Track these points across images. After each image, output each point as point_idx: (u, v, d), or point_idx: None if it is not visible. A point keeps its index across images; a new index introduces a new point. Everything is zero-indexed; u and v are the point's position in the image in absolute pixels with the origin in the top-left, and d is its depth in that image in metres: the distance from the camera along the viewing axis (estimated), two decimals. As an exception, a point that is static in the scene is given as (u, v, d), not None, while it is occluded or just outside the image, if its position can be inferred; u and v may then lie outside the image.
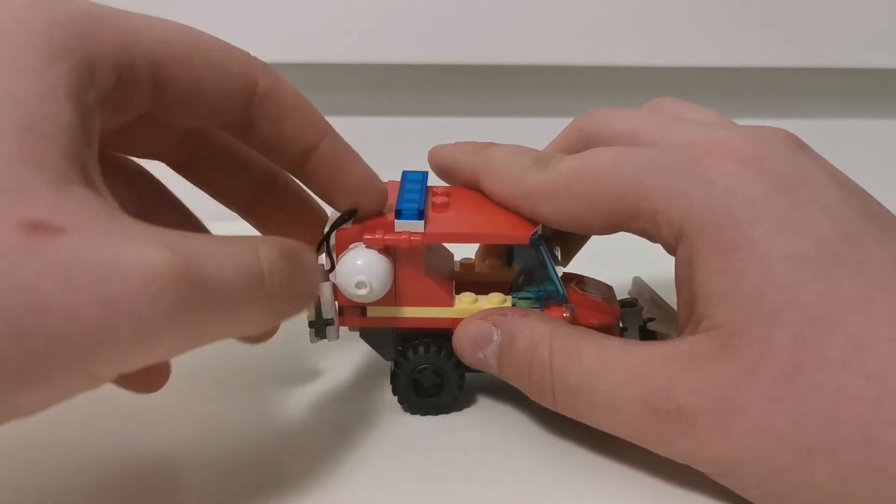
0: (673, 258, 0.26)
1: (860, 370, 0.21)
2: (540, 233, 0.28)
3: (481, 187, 0.30)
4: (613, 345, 0.26)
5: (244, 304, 0.21)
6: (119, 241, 0.18)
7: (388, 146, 0.52)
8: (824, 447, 0.22)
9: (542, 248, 0.28)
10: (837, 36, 0.51)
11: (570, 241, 0.33)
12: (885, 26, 0.51)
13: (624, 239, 0.28)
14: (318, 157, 0.26)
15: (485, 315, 0.28)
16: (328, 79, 0.52)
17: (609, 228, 0.27)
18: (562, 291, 0.29)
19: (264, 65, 0.25)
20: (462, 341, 0.28)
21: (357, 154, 0.28)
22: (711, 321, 0.24)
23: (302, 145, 0.26)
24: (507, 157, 0.29)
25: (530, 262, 0.29)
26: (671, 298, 0.28)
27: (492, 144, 0.30)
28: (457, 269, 0.32)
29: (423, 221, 0.28)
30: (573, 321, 0.28)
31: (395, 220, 0.28)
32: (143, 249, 0.18)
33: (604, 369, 0.25)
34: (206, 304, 0.19)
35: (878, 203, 0.26)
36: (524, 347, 0.27)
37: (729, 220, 0.23)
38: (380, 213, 0.29)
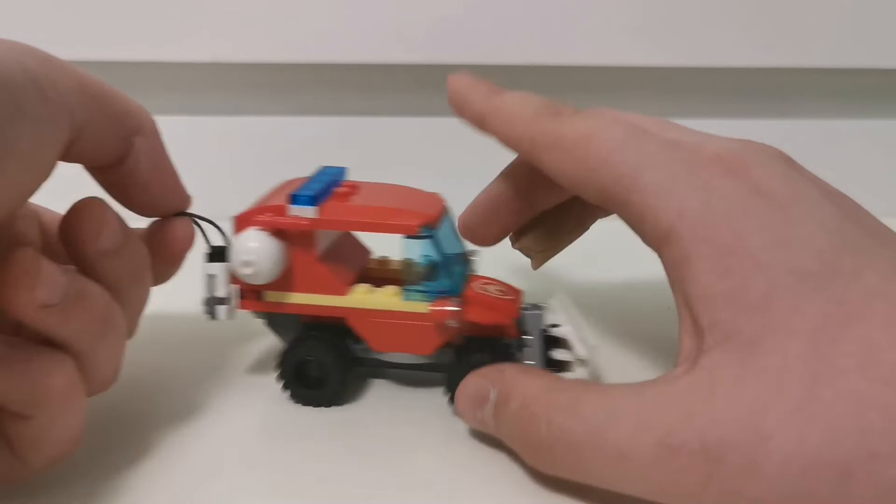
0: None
1: (878, 376, 0.21)
2: (433, 226, 0.28)
3: (487, 129, 0.29)
4: (620, 390, 0.24)
5: None
6: None
7: (388, 146, 0.53)
8: (860, 463, 0.20)
9: (433, 241, 0.28)
10: (837, 36, 0.51)
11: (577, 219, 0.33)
12: (884, 26, 0.51)
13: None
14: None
15: (483, 372, 0.28)
16: (328, 79, 0.52)
17: (597, 201, 0.27)
18: (452, 285, 0.29)
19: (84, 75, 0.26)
20: (461, 402, 0.28)
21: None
22: (722, 329, 0.23)
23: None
24: (518, 99, 0.29)
25: (430, 258, 0.29)
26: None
27: (505, 90, 0.30)
28: (372, 265, 0.33)
29: (315, 208, 0.29)
30: (461, 316, 0.28)
31: (288, 206, 0.29)
32: None
33: (612, 418, 0.23)
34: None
35: (870, 215, 0.25)
36: (517, 406, 0.25)
37: (726, 227, 0.23)
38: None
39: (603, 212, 0.32)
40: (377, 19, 0.49)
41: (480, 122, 0.30)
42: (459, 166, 0.42)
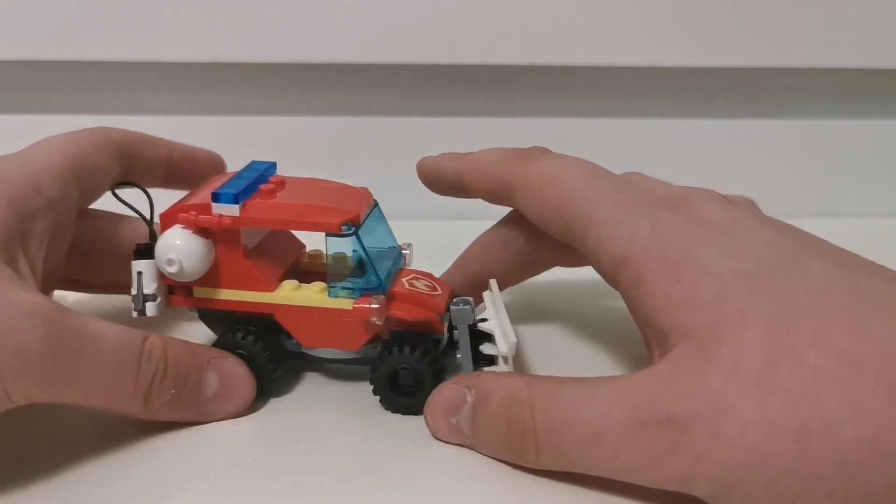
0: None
1: (830, 351, 0.23)
2: (356, 223, 0.29)
3: (464, 184, 0.32)
4: (594, 379, 0.26)
5: (116, 372, 0.26)
6: (12, 290, 0.25)
7: (388, 146, 0.53)
8: (819, 426, 0.22)
9: (355, 238, 0.29)
10: (837, 36, 0.51)
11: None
12: (883, 26, 0.51)
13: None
14: (175, 164, 0.36)
15: (456, 380, 0.28)
16: (328, 79, 0.52)
17: (563, 238, 0.29)
18: (377, 282, 0.29)
19: (107, 128, 0.34)
20: (434, 410, 0.28)
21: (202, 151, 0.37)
22: (681, 329, 0.24)
23: (161, 162, 0.35)
24: (488, 151, 0.32)
25: (357, 255, 0.29)
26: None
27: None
28: (304, 259, 0.33)
29: (238, 206, 0.29)
30: (385, 313, 0.29)
31: (212, 203, 0.29)
32: (27, 295, 0.25)
33: (585, 400, 0.25)
34: (77, 359, 0.25)
35: (809, 234, 0.27)
36: (501, 399, 0.26)
37: (674, 246, 0.26)
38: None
39: (559, 261, 0.35)
40: (377, 19, 0.49)
41: (458, 183, 0.32)
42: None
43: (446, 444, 0.28)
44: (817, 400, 0.22)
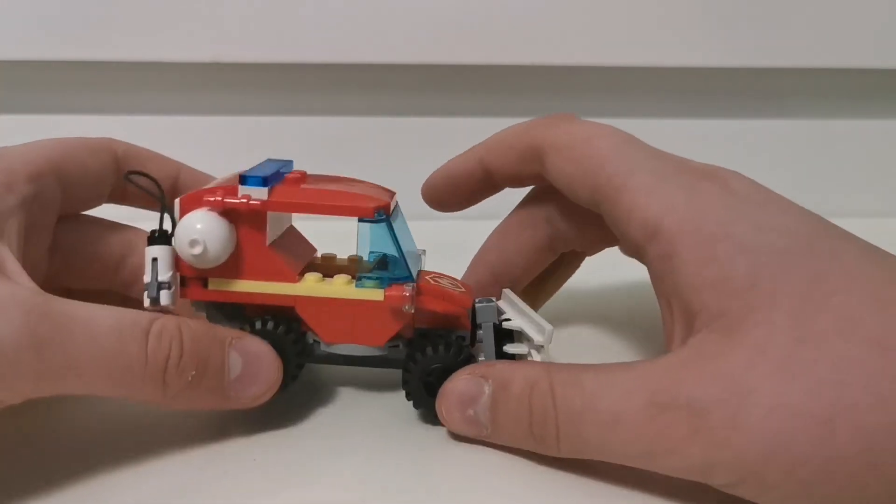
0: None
1: (857, 337, 0.22)
2: (388, 212, 0.28)
3: (489, 167, 0.31)
4: (613, 365, 0.26)
5: (118, 354, 0.24)
6: None
7: (388, 146, 0.53)
8: (842, 412, 0.22)
9: (387, 224, 0.28)
10: (836, 36, 0.51)
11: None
12: (884, 26, 0.51)
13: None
14: (182, 188, 0.32)
15: (471, 370, 0.27)
16: (328, 79, 0.52)
17: (590, 204, 0.28)
18: (408, 270, 0.28)
19: (111, 139, 0.31)
20: (448, 402, 0.27)
21: (209, 176, 0.32)
22: (709, 312, 0.24)
23: (167, 182, 0.31)
24: (509, 128, 0.31)
25: (381, 245, 0.28)
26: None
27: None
28: (317, 261, 0.31)
29: (266, 189, 0.27)
30: (414, 302, 0.28)
31: (239, 186, 0.27)
32: (8, 286, 0.23)
33: (605, 386, 0.25)
34: (68, 345, 0.23)
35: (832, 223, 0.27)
36: (522, 388, 0.26)
37: (710, 218, 0.25)
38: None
39: (576, 242, 0.33)
40: (378, 19, 0.49)
41: (482, 172, 0.32)
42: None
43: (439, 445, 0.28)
44: (841, 386, 0.22)
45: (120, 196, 0.32)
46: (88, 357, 0.23)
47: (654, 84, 0.53)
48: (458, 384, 0.27)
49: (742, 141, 0.54)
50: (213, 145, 0.51)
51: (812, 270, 0.24)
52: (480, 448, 0.27)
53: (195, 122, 0.51)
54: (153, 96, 0.51)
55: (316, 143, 0.52)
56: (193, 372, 0.25)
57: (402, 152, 0.52)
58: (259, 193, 0.27)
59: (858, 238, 0.25)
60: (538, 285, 0.34)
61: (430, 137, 0.52)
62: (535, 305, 0.34)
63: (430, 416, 0.29)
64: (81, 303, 0.24)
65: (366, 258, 0.30)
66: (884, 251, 0.25)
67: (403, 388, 0.29)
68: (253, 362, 0.27)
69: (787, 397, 0.22)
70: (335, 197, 0.28)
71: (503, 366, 0.27)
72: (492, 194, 0.33)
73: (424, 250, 0.32)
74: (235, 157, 0.52)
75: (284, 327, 0.28)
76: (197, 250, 0.27)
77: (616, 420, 0.24)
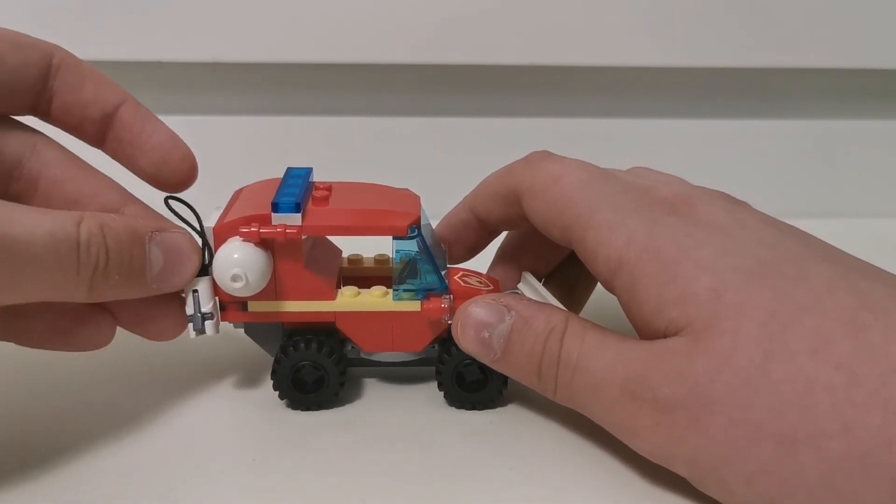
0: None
1: (827, 360, 0.22)
2: (419, 225, 0.29)
3: (479, 215, 0.32)
4: (614, 334, 0.26)
5: (54, 269, 0.24)
6: None
7: (388, 146, 0.53)
8: (806, 438, 0.22)
9: (420, 239, 0.29)
10: (836, 36, 0.51)
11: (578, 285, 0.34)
12: (884, 26, 0.51)
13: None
14: (119, 122, 0.29)
15: (494, 297, 0.28)
16: (328, 79, 0.52)
17: (564, 242, 0.29)
18: (442, 283, 0.29)
19: (57, 45, 0.29)
20: (466, 321, 0.28)
21: (157, 118, 0.30)
22: (675, 324, 0.24)
23: (102, 109, 0.29)
24: (490, 175, 0.32)
25: (412, 255, 0.29)
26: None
27: None
28: (344, 264, 0.32)
29: (300, 214, 0.28)
30: (452, 311, 0.29)
31: (273, 214, 0.28)
32: None
33: (599, 348, 0.26)
34: (11, 260, 0.23)
35: (818, 239, 0.27)
36: (542, 328, 0.27)
37: (670, 244, 0.25)
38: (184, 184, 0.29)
39: None
40: (377, 19, 0.49)
41: (474, 220, 0.32)
42: (459, 166, 0.42)
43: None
44: (807, 411, 0.22)
45: (45, 110, 0.29)
46: (30, 275, 0.24)
47: (654, 84, 0.53)
48: (481, 308, 0.28)
49: (742, 141, 0.54)
50: (213, 145, 0.50)
51: (779, 290, 0.24)
52: (491, 448, 0.28)
53: (195, 122, 0.51)
54: (153, 96, 0.51)
55: (316, 142, 0.52)
56: (118, 277, 0.26)
57: (402, 152, 0.52)
58: (293, 220, 0.28)
59: (832, 258, 0.25)
60: (569, 295, 0.34)
61: (430, 137, 0.52)
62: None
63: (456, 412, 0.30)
64: (14, 208, 0.24)
65: (394, 258, 0.30)
66: (857, 272, 0.25)
67: (437, 380, 0.30)
68: (173, 254, 0.27)
69: (749, 412, 0.22)
70: (368, 217, 0.29)
71: (528, 303, 0.28)
72: (492, 239, 0.34)
73: (447, 249, 0.32)
74: (236, 157, 0.52)
75: (327, 349, 0.29)
76: (238, 285, 0.28)
77: (597, 387, 0.25)
